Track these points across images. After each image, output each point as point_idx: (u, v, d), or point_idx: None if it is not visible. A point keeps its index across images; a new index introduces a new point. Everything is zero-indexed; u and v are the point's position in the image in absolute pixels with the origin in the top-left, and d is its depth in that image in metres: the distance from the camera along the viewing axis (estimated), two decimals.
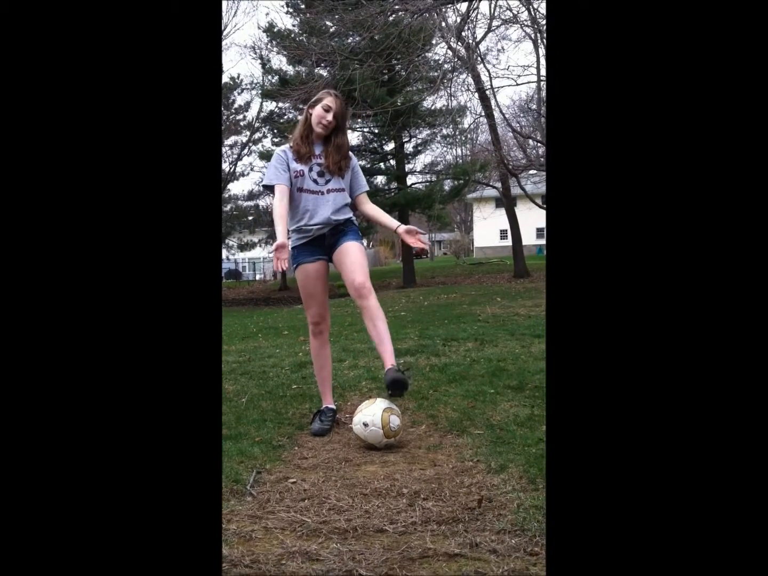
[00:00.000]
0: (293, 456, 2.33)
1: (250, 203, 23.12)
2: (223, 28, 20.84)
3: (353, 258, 2.58)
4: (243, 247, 23.46)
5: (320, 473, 2.13)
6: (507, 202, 15.43)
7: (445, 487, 1.92)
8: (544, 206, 15.64)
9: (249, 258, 29.20)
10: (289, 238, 2.54)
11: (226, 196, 22.14)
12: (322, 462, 2.25)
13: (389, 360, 2.42)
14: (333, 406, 2.78)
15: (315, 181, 2.61)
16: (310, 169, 2.61)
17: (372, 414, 2.39)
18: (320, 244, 2.65)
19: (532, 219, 25.43)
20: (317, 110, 2.63)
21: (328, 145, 2.64)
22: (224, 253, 24.35)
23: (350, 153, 2.74)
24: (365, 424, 2.38)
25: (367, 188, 2.81)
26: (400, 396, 2.44)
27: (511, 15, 10.76)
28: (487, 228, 32.02)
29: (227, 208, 22.77)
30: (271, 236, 23.57)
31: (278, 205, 2.55)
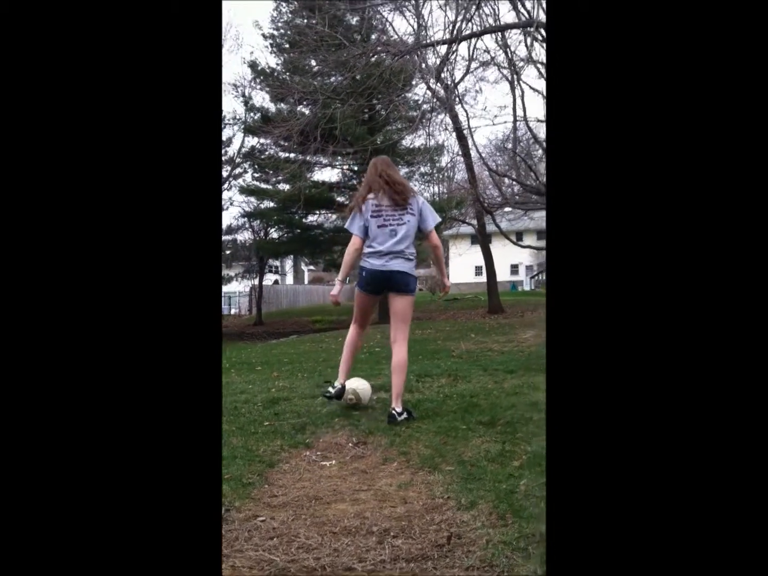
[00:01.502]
0: (263, 494, 2.30)
1: (228, 237, 23.09)
2: None
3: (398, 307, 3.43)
4: None
5: (290, 511, 2.11)
6: (482, 239, 15.64)
7: (415, 525, 1.91)
8: (519, 243, 15.87)
9: (225, 292, 29.02)
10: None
11: None
12: (292, 500, 2.23)
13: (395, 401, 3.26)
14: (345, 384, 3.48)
15: (387, 219, 3.34)
16: (387, 215, 3.33)
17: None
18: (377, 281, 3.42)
19: (507, 256, 25.74)
20: (373, 171, 3.39)
21: (400, 194, 3.35)
22: None
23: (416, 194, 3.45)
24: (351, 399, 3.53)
25: (437, 220, 3.49)
26: (393, 424, 3.14)
27: (489, 57, 11.09)
28: (463, 264, 32.30)
29: None
30: (248, 270, 23.49)
31: (349, 256, 3.40)
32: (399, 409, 3.20)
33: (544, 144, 11.13)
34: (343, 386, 3.46)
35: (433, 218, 3.39)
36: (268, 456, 2.77)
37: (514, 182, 12.64)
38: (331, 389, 3.50)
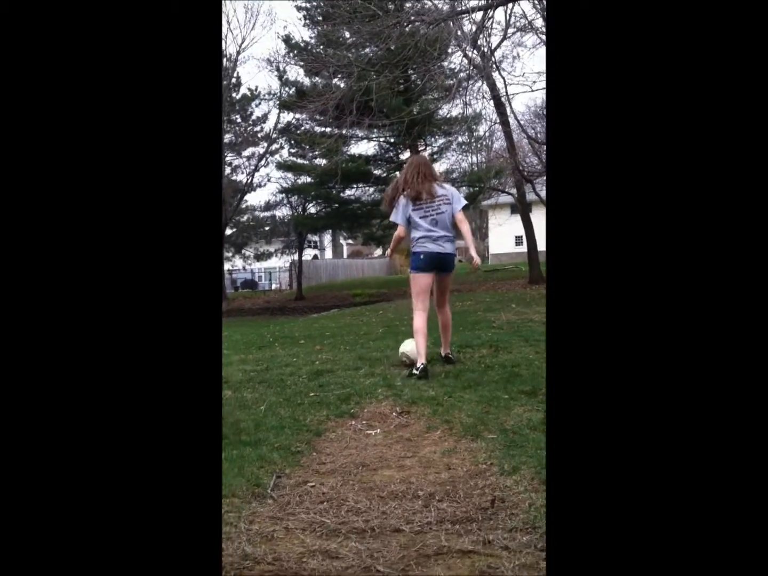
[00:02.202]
0: (311, 461, 2.40)
1: (267, 213, 23.34)
2: (241, 41, 21.13)
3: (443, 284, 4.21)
4: (259, 257, 23.67)
5: (338, 477, 2.19)
6: (522, 209, 15.43)
7: (460, 489, 1.98)
8: None
9: (265, 268, 29.44)
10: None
11: (243, 206, 22.36)
12: (340, 467, 2.32)
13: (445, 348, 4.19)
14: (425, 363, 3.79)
15: (429, 210, 3.98)
16: (428, 206, 3.96)
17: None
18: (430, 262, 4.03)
19: None
20: (409, 170, 4.01)
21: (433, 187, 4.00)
22: (240, 263, 24.58)
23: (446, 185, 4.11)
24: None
25: (464, 202, 4.09)
26: (451, 364, 4.02)
27: (527, 22, 10.83)
28: (503, 234, 31.93)
29: (244, 218, 22.99)
30: (287, 246, 23.77)
31: (397, 239, 4.18)
32: (451, 354, 4.15)
33: None
34: (425, 366, 3.75)
35: (459, 203, 3.98)
36: (315, 425, 2.86)
37: None
38: (415, 371, 3.76)
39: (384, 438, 2.68)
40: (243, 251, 23.31)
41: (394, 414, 3.01)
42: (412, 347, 4.02)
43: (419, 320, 3.92)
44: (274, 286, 29.89)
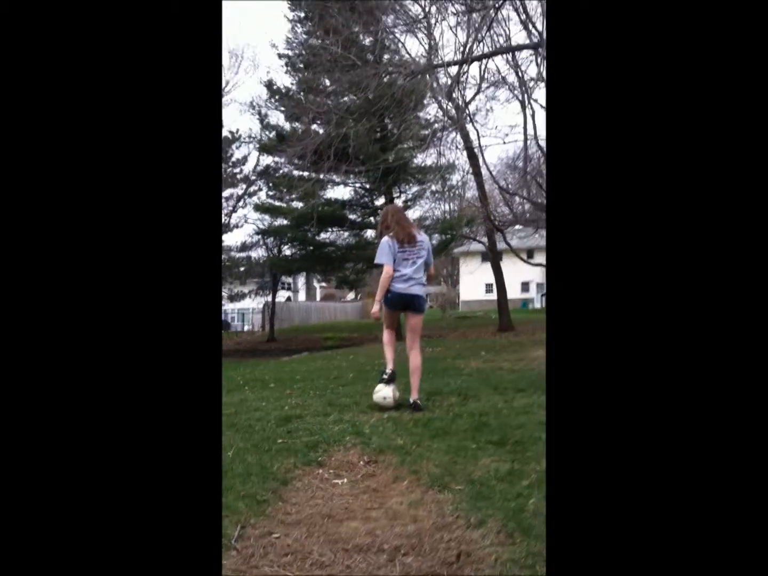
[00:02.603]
0: (277, 511, 2.36)
1: (243, 254, 23.27)
2: (224, 85, 21.44)
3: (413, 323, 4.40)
4: (233, 298, 23.48)
5: (303, 529, 2.16)
6: (493, 257, 15.68)
7: (425, 543, 1.97)
8: (529, 261, 15.86)
9: (239, 309, 29.18)
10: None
11: None
12: (305, 518, 2.29)
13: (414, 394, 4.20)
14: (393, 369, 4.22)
15: (411, 254, 4.25)
16: (411, 249, 4.26)
17: (387, 392, 4.16)
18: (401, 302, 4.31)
19: (518, 273, 25.74)
20: (390, 211, 4.39)
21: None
22: None
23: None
24: (384, 398, 4.16)
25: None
26: (417, 411, 4.04)
27: (500, 77, 11.22)
28: (473, 281, 32.32)
29: None
30: (261, 287, 23.66)
31: (384, 282, 4.21)
32: (418, 400, 4.19)
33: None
34: (393, 371, 4.23)
35: (431, 258, 4.38)
36: (282, 473, 2.83)
37: (524, 200, 12.71)
38: (385, 375, 4.23)
39: (351, 488, 2.66)
40: None
41: (361, 463, 2.99)
42: (382, 395, 4.22)
43: (386, 335, 4.41)
44: (246, 328, 29.60)
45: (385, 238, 4.19)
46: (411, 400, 4.17)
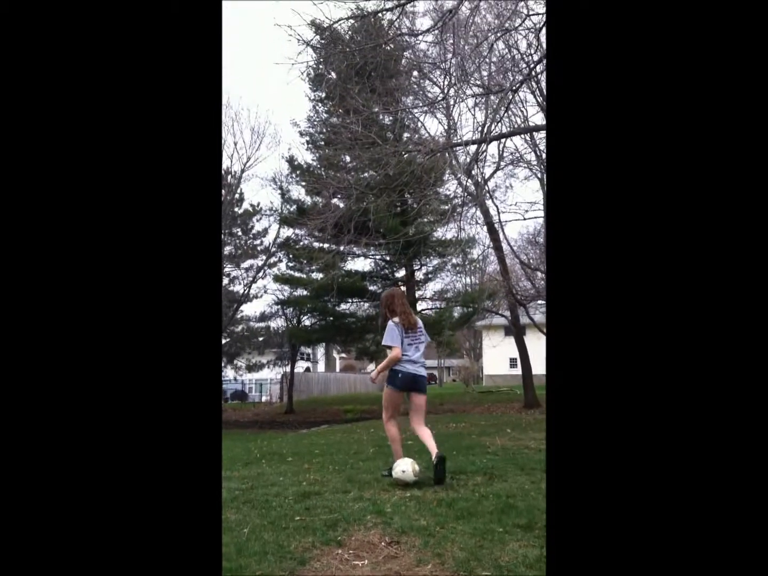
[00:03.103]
0: None
1: (261, 324, 23.41)
2: (246, 160, 22.25)
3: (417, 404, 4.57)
4: (251, 368, 23.48)
5: None
6: (516, 331, 15.55)
7: None
8: None
9: (256, 379, 29.09)
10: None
11: (239, 316, 22.49)
12: None
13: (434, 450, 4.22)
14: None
15: (415, 339, 4.46)
16: (414, 335, 4.46)
17: (405, 465, 4.13)
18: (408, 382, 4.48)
19: (542, 348, 25.37)
20: (396, 296, 4.56)
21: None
22: (231, 373, 24.33)
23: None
24: (403, 471, 4.10)
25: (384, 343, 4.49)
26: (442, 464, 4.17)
27: (518, 156, 11.48)
28: (497, 355, 31.96)
29: (239, 328, 23.03)
30: (280, 357, 23.68)
31: (390, 359, 4.42)
32: (439, 453, 4.19)
33: None
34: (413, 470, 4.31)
35: (427, 336, 4.66)
36: (300, 553, 2.71)
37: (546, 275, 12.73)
38: (385, 473, 4.43)
39: (371, 570, 2.54)
40: (235, 361, 23.15)
41: (383, 544, 2.86)
42: (401, 468, 4.19)
43: (393, 429, 4.51)
44: (264, 398, 29.38)
45: (392, 323, 4.42)
46: (434, 459, 4.15)
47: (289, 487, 4.22)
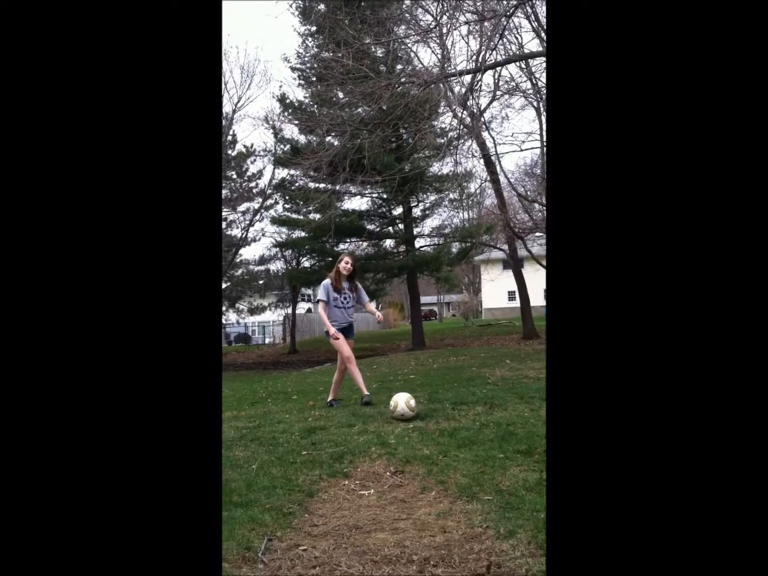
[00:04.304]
0: (303, 523, 2.34)
1: (261, 267, 23.43)
2: (237, 100, 21.72)
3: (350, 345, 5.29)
4: (253, 311, 23.64)
5: (331, 540, 2.14)
6: (514, 264, 15.58)
7: (455, 554, 1.93)
8: None
9: (259, 322, 29.35)
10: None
11: (238, 260, 22.49)
12: (333, 529, 2.26)
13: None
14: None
15: (343, 302, 5.20)
16: (343, 297, 5.19)
17: (396, 404, 4.17)
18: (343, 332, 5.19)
19: (540, 280, 25.51)
20: (341, 264, 5.20)
21: (351, 282, 5.28)
22: (234, 317, 24.53)
23: (357, 283, 5.38)
24: (402, 414, 4.14)
25: (368, 298, 5.54)
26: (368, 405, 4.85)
27: (514, 85, 11.20)
28: (495, 289, 32.12)
29: (238, 272, 23.08)
30: (281, 299, 23.81)
31: (323, 312, 5.19)
32: (332, 401, 5.24)
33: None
34: (368, 395, 5.09)
35: (366, 297, 5.49)
36: (308, 486, 2.81)
37: (544, 207, 12.62)
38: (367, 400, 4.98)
39: (378, 499, 2.63)
40: (237, 305, 23.30)
41: (388, 474, 2.96)
42: (399, 412, 4.22)
43: (351, 368, 5.16)
44: (267, 340, 29.72)
45: (325, 281, 5.22)
46: (328, 402, 5.12)
47: (295, 424, 4.32)
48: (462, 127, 11.17)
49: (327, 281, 5.26)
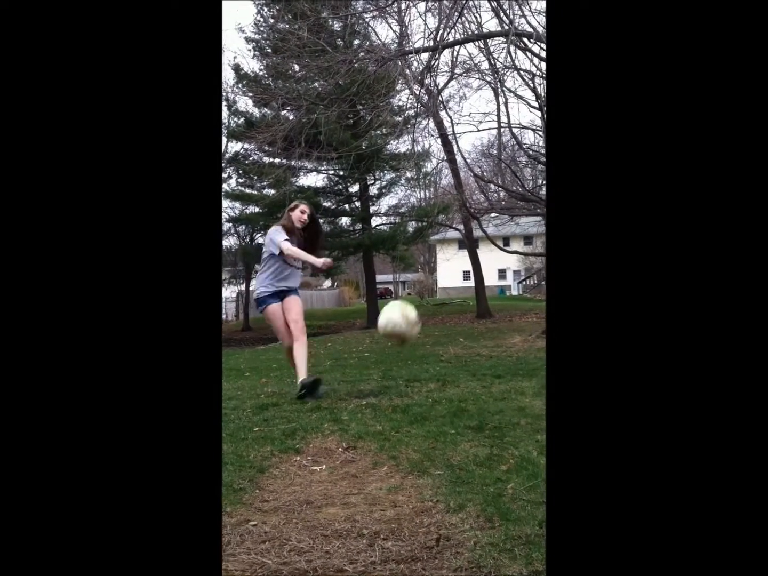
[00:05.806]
0: (254, 499, 2.33)
1: None
2: None
3: (297, 305, 4.45)
4: None
5: (281, 516, 2.13)
6: (469, 244, 15.74)
7: (405, 527, 1.95)
8: (506, 248, 15.97)
9: None
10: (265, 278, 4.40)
11: None
12: (283, 505, 2.25)
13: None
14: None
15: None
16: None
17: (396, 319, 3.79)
18: (280, 295, 4.35)
19: (494, 261, 25.88)
20: (296, 213, 4.29)
21: (302, 235, 4.32)
22: None
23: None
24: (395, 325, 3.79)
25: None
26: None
27: (472, 64, 11.19)
28: (451, 269, 32.46)
29: None
30: (234, 276, 23.48)
31: (295, 249, 4.13)
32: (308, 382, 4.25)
33: (529, 150, 11.21)
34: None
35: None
36: (259, 462, 2.79)
37: (499, 188, 12.73)
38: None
39: (329, 474, 2.63)
40: None
41: (340, 449, 2.96)
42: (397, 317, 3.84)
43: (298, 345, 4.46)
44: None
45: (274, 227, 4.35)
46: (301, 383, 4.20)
47: (247, 401, 4.29)
48: (419, 105, 11.13)
49: (276, 227, 4.34)
